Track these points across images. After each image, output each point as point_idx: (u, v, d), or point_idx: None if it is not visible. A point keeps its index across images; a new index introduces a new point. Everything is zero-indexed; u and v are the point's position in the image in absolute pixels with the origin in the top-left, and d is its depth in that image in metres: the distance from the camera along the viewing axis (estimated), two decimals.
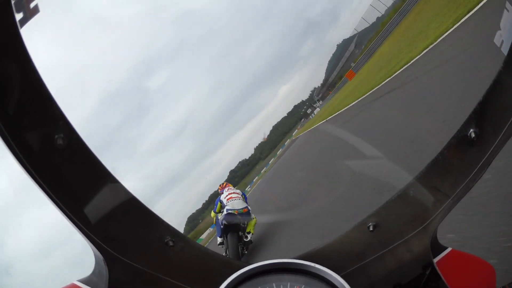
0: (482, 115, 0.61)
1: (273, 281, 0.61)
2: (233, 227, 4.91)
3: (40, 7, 0.58)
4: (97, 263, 0.63)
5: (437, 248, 0.70)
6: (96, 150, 0.59)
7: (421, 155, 3.21)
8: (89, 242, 0.59)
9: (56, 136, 0.55)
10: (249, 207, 5.14)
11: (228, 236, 4.89)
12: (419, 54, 7.63)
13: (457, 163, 0.66)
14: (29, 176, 0.53)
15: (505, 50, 0.60)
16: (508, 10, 0.70)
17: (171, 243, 0.67)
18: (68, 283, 0.62)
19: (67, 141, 0.55)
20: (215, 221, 5.44)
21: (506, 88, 0.59)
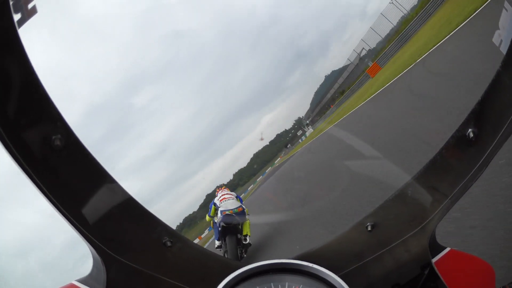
0: (480, 114, 0.61)
1: (271, 281, 0.61)
2: (231, 229, 4.77)
3: (38, 7, 0.58)
4: (95, 263, 0.63)
5: (435, 248, 0.69)
6: (94, 151, 0.59)
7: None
8: (87, 243, 0.59)
9: (53, 137, 0.55)
10: (243, 207, 5.00)
11: (227, 239, 4.76)
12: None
13: (455, 162, 0.65)
14: (27, 177, 0.53)
15: (504, 50, 0.60)
16: (507, 10, 0.70)
17: (169, 244, 0.67)
18: (67, 283, 0.62)
19: (64, 142, 0.55)
20: (212, 225, 5.30)
21: (504, 88, 0.59)
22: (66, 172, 0.58)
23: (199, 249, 0.74)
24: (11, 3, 0.49)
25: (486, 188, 2.02)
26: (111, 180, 0.62)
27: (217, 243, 5.09)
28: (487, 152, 0.61)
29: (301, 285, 0.60)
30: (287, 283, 0.60)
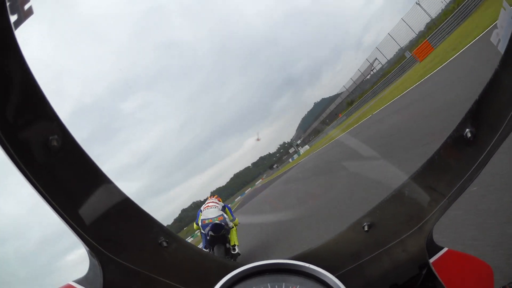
0: (478, 114, 0.61)
1: (268, 282, 0.61)
2: (219, 239, 4.60)
3: (34, 8, 0.58)
4: (91, 264, 0.63)
5: (433, 248, 0.69)
6: (90, 151, 0.59)
7: None
8: (83, 243, 0.60)
9: (50, 138, 0.55)
10: (225, 216, 4.72)
11: (215, 249, 4.61)
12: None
13: (453, 162, 0.65)
14: (24, 177, 0.53)
15: (502, 49, 0.60)
16: (505, 9, 0.70)
17: (165, 244, 0.67)
18: (64, 283, 0.62)
19: (61, 143, 0.56)
20: (200, 233, 5.11)
21: (503, 87, 0.58)
22: (63, 173, 0.58)
23: (195, 250, 0.74)
24: (7, 4, 0.50)
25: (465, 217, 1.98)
26: (108, 181, 0.62)
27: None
28: (485, 152, 0.61)
29: (298, 286, 0.60)
30: (283, 284, 0.60)
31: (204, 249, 4.84)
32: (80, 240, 0.59)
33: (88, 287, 0.61)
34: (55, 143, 0.55)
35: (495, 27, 0.72)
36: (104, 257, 0.62)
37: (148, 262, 0.67)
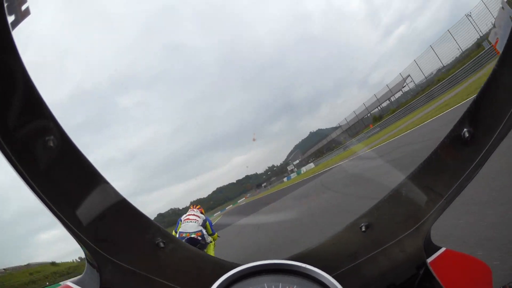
0: (476, 114, 0.60)
1: (265, 282, 0.61)
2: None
3: (31, 9, 0.58)
4: (88, 264, 0.63)
5: (431, 248, 0.69)
6: (87, 152, 0.59)
7: None
8: (81, 244, 0.60)
9: (46, 138, 0.55)
10: (203, 231, 4.55)
11: None
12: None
13: (450, 162, 0.65)
14: (20, 178, 0.53)
15: (500, 48, 0.60)
16: (503, 8, 0.69)
17: (161, 245, 0.67)
18: (61, 284, 0.62)
19: (57, 143, 0.56)
20: None
21: (501, 87, 0.58)
22: (59, 174, 0.58)
23: (192, 250, 0.74)
24: (5, 4, 0.50)
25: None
26: (104, 181, 0.62)
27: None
28: (483, 152, 0.61)
29: (295, 286, 0.60)
30: (280, 284, 0.60)
31: None
32: (77, 240, 0.59)
33: (86, 287, 0.61)
34: (51, 143, 0.55)
35: (494, 28, 0.72)
36: (101, 257, 0.62)
37: (145, 262, 0.67)
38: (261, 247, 5.73)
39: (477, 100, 0.60)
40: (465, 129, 0.60)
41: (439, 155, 0.65)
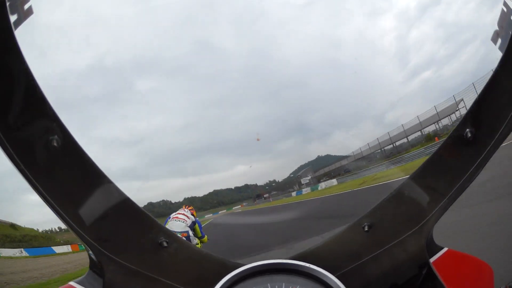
0: (478, 114, 0.60)
1: (268, 282, 0.61)
2: None
3: (34, 8, 0.58)
4: (92, 264, 0.63)
5: (433, 248, 0.69)
6: (89, 150, 0.58)
7: None
8: (84, 243, 0.60)
9: (50, 138, 0.55)
10: (190, 232, 4.45)
11: None
12: None
13: (452, 162, 0.65)
14: (24, 177, 0.53)
15: (502, 49, 0.60)
16: (505, 9, 0.69)
17: (165, 244, 0.67)
18: (65, 284, 0.62)
19: (61, 143, 0.56)
20: None
21: (503, 88, 0.58)
22: (63, 173, 0.58)
23: (195, 250, 0.74)
24: (7, 4, 0.50)
25: None
26: (108, 181, 0.62)
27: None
28: (485, 152, 0.61)
29: (298, 286, 0.60)
30: (284, 284, 0.60)
31: None
32: (81, 240, 0.59)
33: (89, 287, 0.61)
34: (55, 143, 0.55)
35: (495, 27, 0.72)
36: (104, 257, 0.61)
37: (148, 262, 0.67)
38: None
39: (479, 101, 0.60)
40: (467, 130, 0.61)
41: (441, 155, 0.65)
